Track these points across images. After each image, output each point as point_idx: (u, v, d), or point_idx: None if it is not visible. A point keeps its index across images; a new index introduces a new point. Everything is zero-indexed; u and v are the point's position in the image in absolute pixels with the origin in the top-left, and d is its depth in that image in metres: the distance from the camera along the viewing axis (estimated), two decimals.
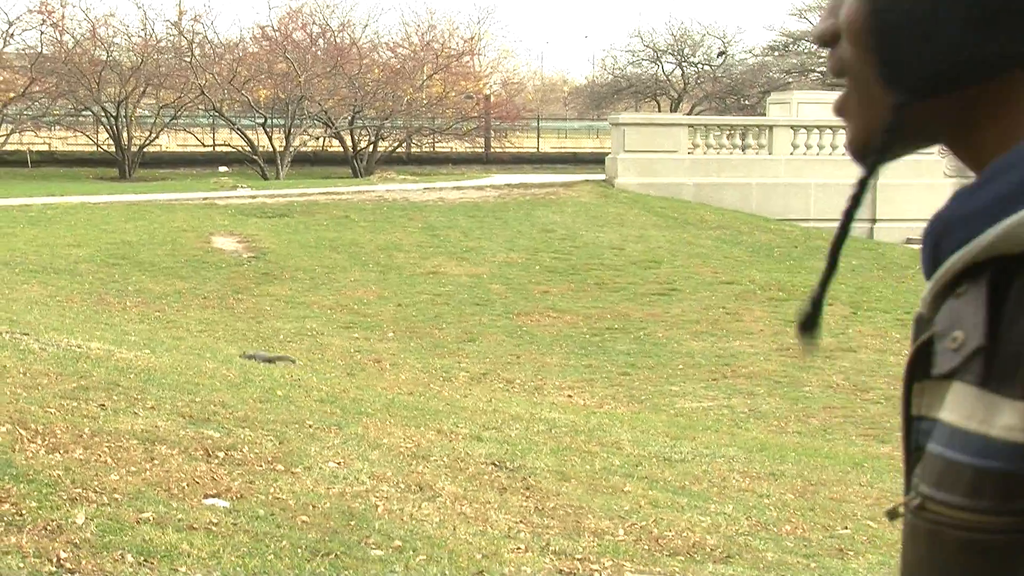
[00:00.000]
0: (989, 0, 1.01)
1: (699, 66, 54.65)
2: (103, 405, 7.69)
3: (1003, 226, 0.98)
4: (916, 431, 1.06)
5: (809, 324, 1.19)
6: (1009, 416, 0.95)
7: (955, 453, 0.99)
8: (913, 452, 1.06)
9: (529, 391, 12.69)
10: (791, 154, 26.61)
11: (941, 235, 1.04)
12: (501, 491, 7.18)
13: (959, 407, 0.99)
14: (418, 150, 45.65)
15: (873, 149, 1.09)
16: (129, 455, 6.61)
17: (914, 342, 1.05)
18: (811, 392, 12.90)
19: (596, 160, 35.66)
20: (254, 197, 24.84)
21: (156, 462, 6.55)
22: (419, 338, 15.03)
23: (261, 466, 6.87)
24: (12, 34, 41.14)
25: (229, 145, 42.49)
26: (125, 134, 39.48)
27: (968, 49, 1.03)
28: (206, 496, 6.10)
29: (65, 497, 5.68)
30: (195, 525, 5.56)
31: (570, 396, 12.56)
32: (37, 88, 39.73)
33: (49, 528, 5.24)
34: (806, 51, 51.74)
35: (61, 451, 6.46)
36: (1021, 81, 1.03)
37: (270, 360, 11.65)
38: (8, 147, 39.99)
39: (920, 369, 1.04)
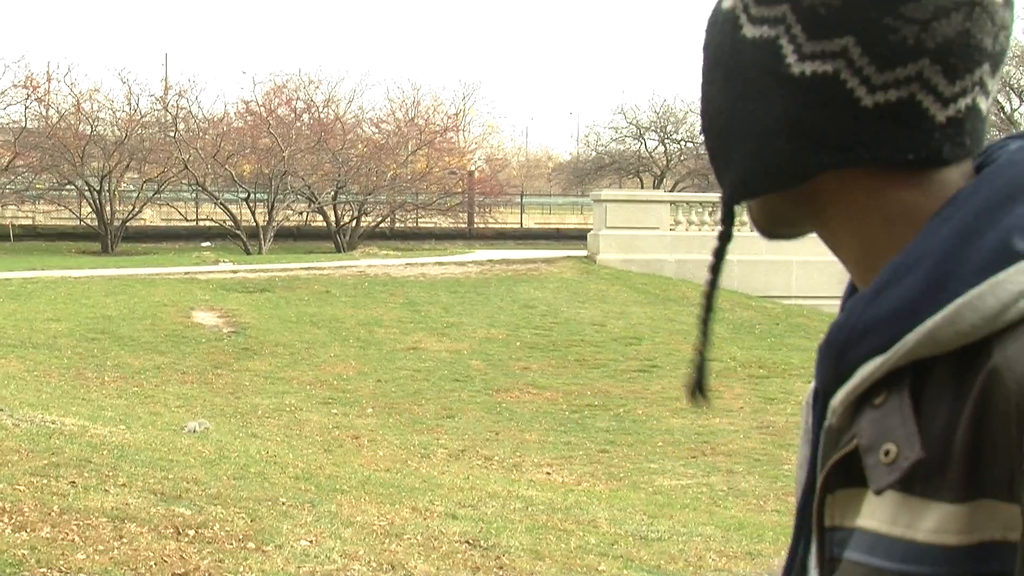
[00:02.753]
0: (780, 118, 1.05)
1: (682, 143, 54.97)
2: (73, 482, 7.62)
3: (923, 330, 0.98)
4: (830, 542, 1.05)
5: (697, 389, 1.22)
6: (934, 519, 0.95)
7: (879, 560, 0.98)
8: (827, 563, 1.05)
9: (507, 468, 12.61)
10: None
11: (846, 344, 1.03)
12: (474, 570, 7.11)
13: (880, 513, 0.99)
14: (401, 225, 45.79)
15: (721, 235, 1.16)
16: (97, 533, 6.53)
17: (826, 454, 1.05)
18: (790, 470, 12.84)
19: (579, 236, 35.79)
20: (235, 272, 24.83)
21: (125, 540, 6.48)
22: (398, 414, 14.95)
23: (232, 544, 6.80)
24: None
25: (212, 219, 42.56)
26: (108, 208, 39.51)
27: (768, 157, 1.07)
28: (174, 575, 6.03)
29: None
30: None
31: (548, 473, 12.48)
32: (21, 162, 39.79)
33: None
34: None
35: (28, 529, 6.38)
36: (833, 183, 1.06)
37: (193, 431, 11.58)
38: None
39: (836, 480, 1.03)
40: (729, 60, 1.08)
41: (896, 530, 0.97)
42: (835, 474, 1.03)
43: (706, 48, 1.11)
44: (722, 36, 1.09)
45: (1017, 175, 1.02)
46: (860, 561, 1.00)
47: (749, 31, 1.06)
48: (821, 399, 1.10)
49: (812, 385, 1.22)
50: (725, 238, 1.16)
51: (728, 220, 1.15)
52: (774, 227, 1.15)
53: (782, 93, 1.04)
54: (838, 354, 1.04)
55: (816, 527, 1.06)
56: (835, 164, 1.04)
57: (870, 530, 1.00)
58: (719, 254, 1.17)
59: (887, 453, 0.98)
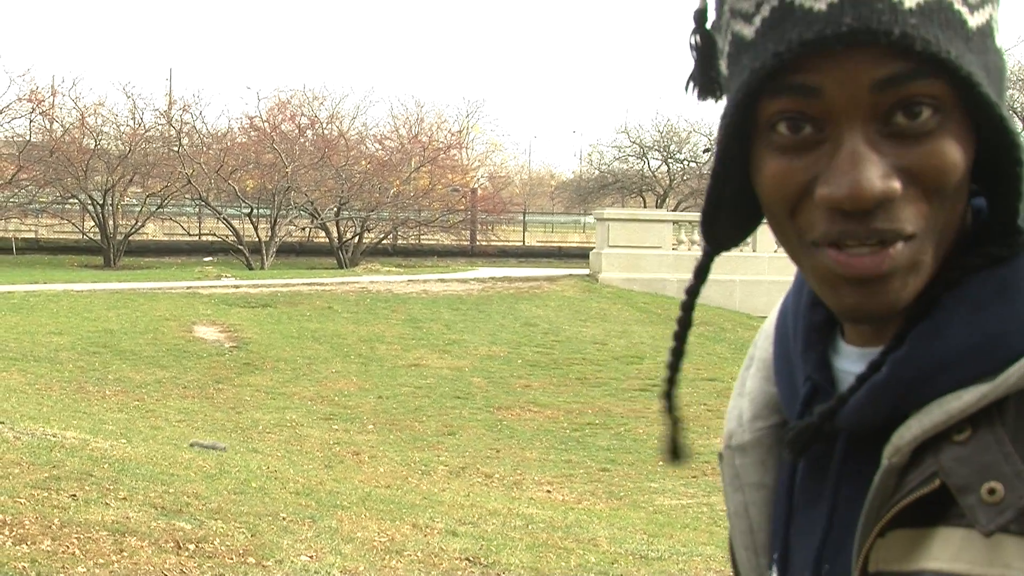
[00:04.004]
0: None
1: (685, 163, 54.98)
2: (74, 496, 7.62)
3: None
4: None
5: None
6: None
7: None
8: None
9: (508, 486, 12.60)
10: (775, 251, 26.72)
11: (917, 380, 0.99)
12: None
13: (966, 555, 0.95)
14: (404, 242, 45.79)
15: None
16: (98, 547, 6.53)
17: (886, 496, 1.00)
18: None
19: (582, 255, 35.80)
20: (238, 287, 24.85)
21: (125, 554, 6.48)
22: (399, 431, 14.95)
23: (232, 559, 6.80)
24: (1, 122, 41.37)
25: (215, 234, 42.58)
26: (111, 222, 39.53)
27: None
28: None
29: None
30: None
31: (549, 491, 12.47)
32: (24, 176, 39.83)
33: None
34: None
35: (28, 542, 6.38)
36: None
37: (209, 447, 11.53)
38: None
39: (898, 521, 0.99)
40: None
41: (994, 571, 0.94)
42: (905, 515, 0.99)
43: None
44: None
45: None
46: None
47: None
48: (847, 435, 1.06)
49: (748, 424, 1.19)
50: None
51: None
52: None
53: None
54: (906, 389, 1.00)
55: (859, 573, 1.01)
56: None
57: (954, 573, 0.95)
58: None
59: (992, 492, 0.93)
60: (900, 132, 0.96)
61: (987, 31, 0.98)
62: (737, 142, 1.03)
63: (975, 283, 0.99)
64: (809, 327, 1.11)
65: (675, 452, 1.23)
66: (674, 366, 1.19)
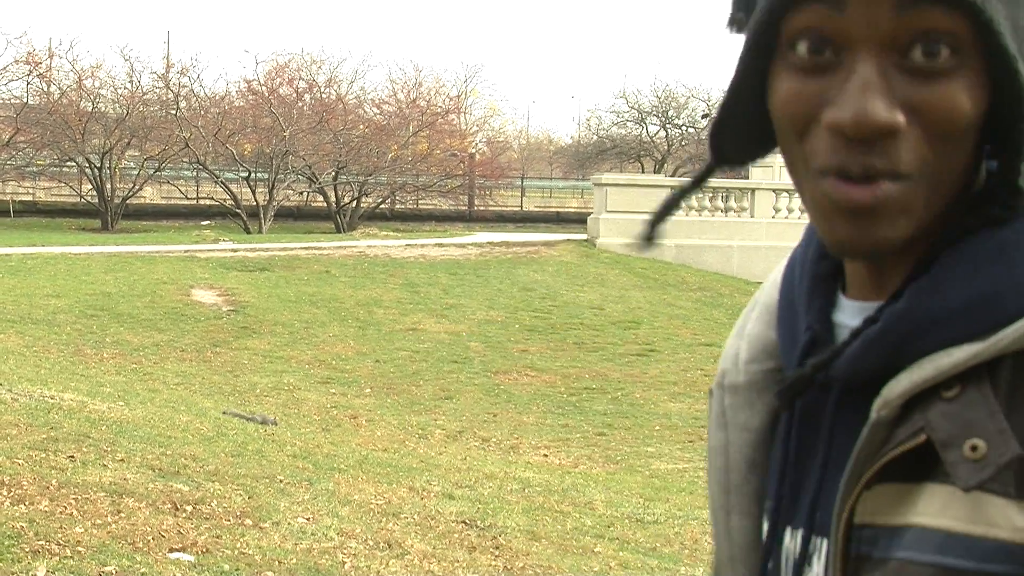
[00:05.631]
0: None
1: (683, 128, 54.91)
2: (72, 457, 7.65)
3: None
4: (857, 539, 1.01)
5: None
6: (1021, 517, 0.92)
7: (954, 559, 0.94)
8: (852, 561, 1.01)
9: (505, 450, 12.64)
10: (773, 217, 26.74)
11: (911, 334, 1.00)
12: (470, 550, 7.13)
13: (953, 511, 0.95)
14: (402, 207, 45.79)
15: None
16: (95, 508, 6.55)
17: (873, 448, 1.00)
18: None
19: (580, 220, 35.79)
20: (235, 251, 24.84)
21: (122, 515, 6.50)
22: (396, 395, 14.98)
23: (229, 520, 6.82)
24: None
25: (212, 198, 42.54)
26: (108, 185, 39.48)
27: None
28: (171, 550, 6.05)
29: (28, 550, 5.63)
30: None
31: (546, 455, 12.51)
32: (22, 138, 39.75)
33: None
34: None
35: (26, 503, 6.41)
36: None
37: (248, 419, 11.54)
38: None
39: (881, 475, 0.99)
40: None
41: (975, 528, 0.93)
42: (889, 469, 0.99)
43: None
44: None
45: None
46: (926, 561, 0.96)
47: None
48: (841, 386, 1.06)
49: (744, 366, 1.19)
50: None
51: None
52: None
53: None
54: (900, 343, 1.00)
55: (844, 524, 1.01)
56: None
57: (938, 528, 0.96)
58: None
59: (974, 449, 0.94)
60: (915, 68, 0.96)
61: None
62: (758, 60, 1.04)
63: (975, 242, 0.99)
64: (815, 277, 1.12)
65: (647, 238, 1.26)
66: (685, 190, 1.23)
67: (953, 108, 0.96)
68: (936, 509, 0.96)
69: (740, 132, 1.10)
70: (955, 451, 0.95)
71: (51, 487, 6.78)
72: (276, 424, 11.57)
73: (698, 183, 1.19)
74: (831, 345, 1.08)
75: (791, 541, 1.11)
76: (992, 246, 0.99)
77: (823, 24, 0.97)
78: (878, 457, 0.99)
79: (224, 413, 11.64)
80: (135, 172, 41.50)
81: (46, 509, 6.36)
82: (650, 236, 1.23)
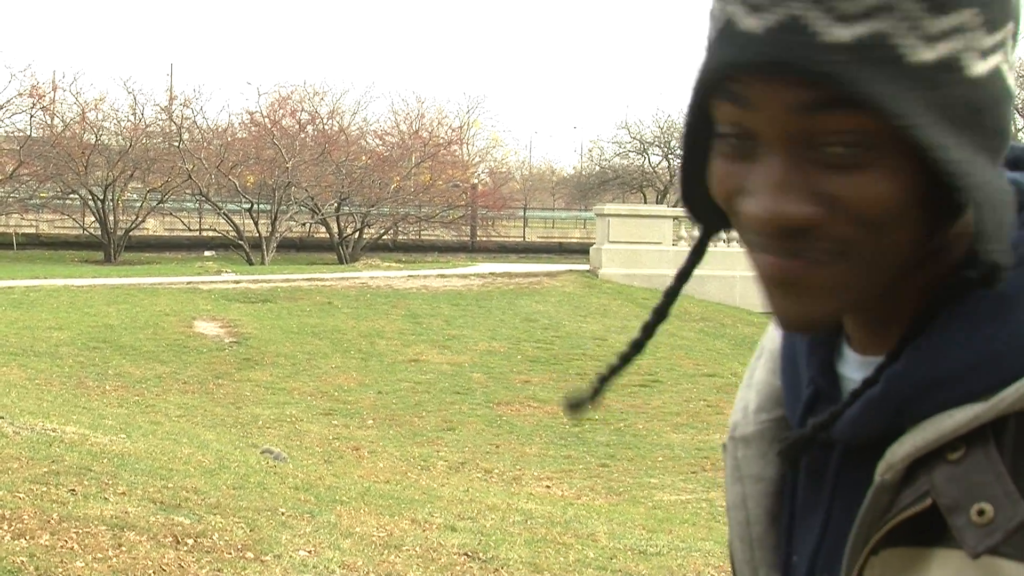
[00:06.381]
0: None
1: None
2: (73, 490, 7.63)
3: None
4: None
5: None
6: None
7: None
8: None
9: (507, 481, 12.61)
10: None
11: (912, 396, 0.98)
12: None
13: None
14: (404, 238, 45.82)
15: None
16: (96, 541, 6.54)
17: (877, 512, 0.99)
18: None
19: (582, 250, 35.81)
20: (238, 282, 24.86)
21: (124, 549, 6.48)
22: (398, 426, 14.96)
23: (230, 554, 6.80)
24: (2, 117, 41.37)
25: (215, 230, 42.59)
26: (111, 217, 39.54)
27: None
28: None
29: None
30: None
31: (548, 487, 12.48)
32: (25, 171, 39.85)
33: None
34: None
35: (27, 537, 6.39)
36: None
37: (276, 457, 11.40)
38: None
39: (892, 539, 0.98)
40: None
41: None
42: (897, 533, 0.98)
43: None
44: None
45: None
46: None
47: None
48: (840, 451, 1.05)
49: (753, 416, 1.19)
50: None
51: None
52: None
53: None
54: (901, 406, 0.99)
55: None
56: None
57: None
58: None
59: (981, 513, 0.92)
60: (827, 161, 0.94)
61: (951, 64, 0.92)
62: (696, 137, 1.04)
63: (973, 299, 0.98)
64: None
65: (577, 407, 1.23)
66: (627, 357, 1.19)
67: (874, 198, 0.93)
68: (948, 575, 0.95)
69: (703, 196, 1.08)
70: (962, 516, 0.93)
71: (52, 521, 6.76)
72: (286, 460, 11.52)
73: (697, 256, 1.17)
74: (835, 399, 1.07)
75: None
76: (991, 303, 0.97)
77: (737, 117, 0.96)
78: (884, 521, 0.98)
79: (263, 452, 11.46)
80: (138, 204, 41.56)
81: (47, 543, 6.34)
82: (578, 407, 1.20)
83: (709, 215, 1.10)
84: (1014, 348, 0.95)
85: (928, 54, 0.92)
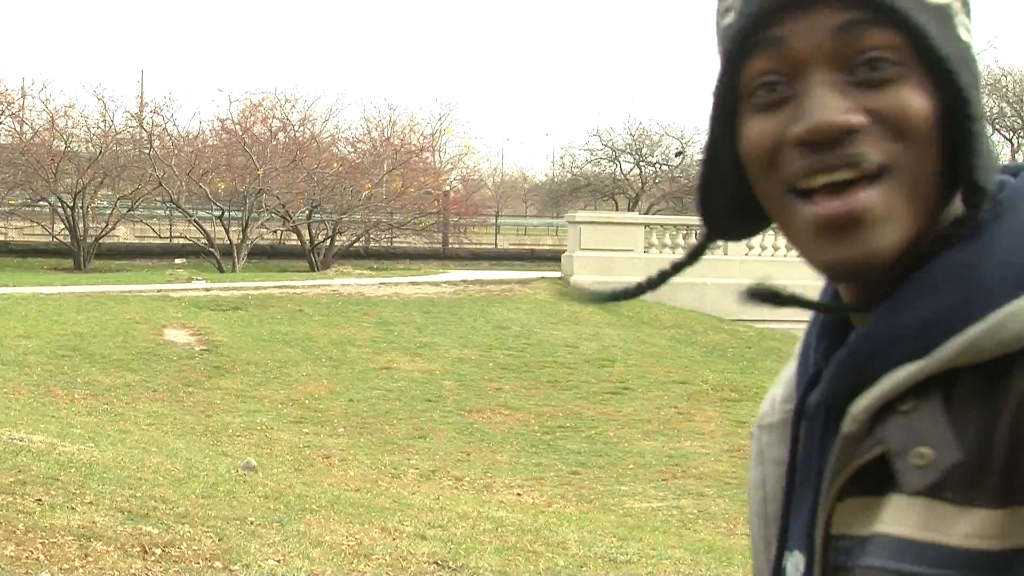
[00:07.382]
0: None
1: (657, 166, 55.11)
2: (40, 500, 7.58)
3: (965, 338, 1.01)
4: (834, 551, 1.07)
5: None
6: (969, 525, 0.97)
7: (909, 565, 1.00)
8: (831, 571, 1.08)
9: (478, 489, 12.59)
10: (746, 255, 26.79)
11: (874, 353, 1.06)
12: None
13: (908, 519, 1.01)
14: (376, 245, 45.76)
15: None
16: (63, 552, 6.49)
17: (842, 462, 1.06)
18: None
19: (554, 257, 35.83)
20: (208, 290, 24.76)
21: (90, 559, 6.44)
22: (369, 434, 14.91)
23: (198, 563, 6.77)
24: None
25: (186, 237, 42.44)
26: (81, 225, 39.36)
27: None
28: None
29: None
30: None
31: (519, 494, 12.46)
32: None
33: None
34: None
35: None
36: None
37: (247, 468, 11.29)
38: None
39: (848, 489, 1.06)
40: None
41: (928, 535, 0.99)
42: (849, 482, 1.06)
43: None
44: None
45: None
46: (885, 567, 1.01)
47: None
48: (825, 410, 1.12)
49: (779, 406, 1.25)
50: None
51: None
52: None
53: None
54: (864, 362, 1.07)
55: (821, 536, 1.08)
56: None
57: (896, 536, 1.01)
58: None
59: (921, 456, 1.00)
60: (864, 82, 1.04)
61: (949, 16, 1.07)
62: (725, 118, 1.12)
63: (937, 264, 1.05)
64: (826, 319, 1.20)
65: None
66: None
67: (908, 107, 1.03)
68: (894, 517, 1.02)
69: (726, 203, 1.18)
70: (904, 459, 1.01)
71: (18, 531, 6.71)
72: (256, 471, 11.43)
73: (695, 256, 1.27)
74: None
75: (790, 563, 1.18)
76: (950, 267, 1.04)
77: (772, 63, 1.06)
78: (846, 470, 1.05)
79: (243, 468, 11.34)
80: (108, 211, 41.39)
81: (12, 554, 6.29)
82: (626, 295, 1.32)
83: (720, 222, 1.21)
84: (962, 307, 1.02)
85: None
